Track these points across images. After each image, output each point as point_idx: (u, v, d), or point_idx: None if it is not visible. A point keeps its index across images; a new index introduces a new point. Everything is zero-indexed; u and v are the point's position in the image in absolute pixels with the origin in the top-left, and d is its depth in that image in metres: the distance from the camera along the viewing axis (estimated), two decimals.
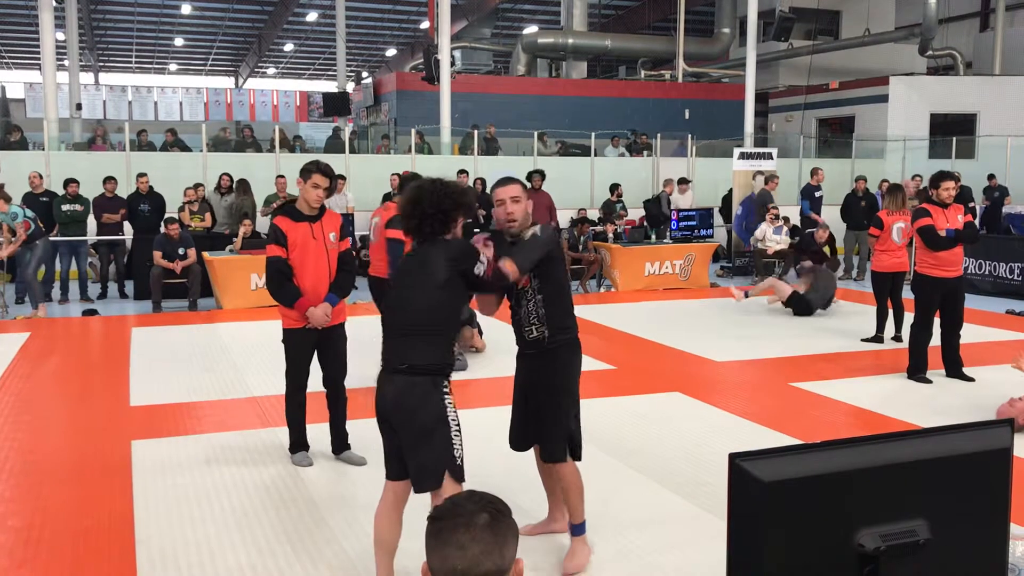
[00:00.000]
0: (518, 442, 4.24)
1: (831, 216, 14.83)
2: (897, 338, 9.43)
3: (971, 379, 7.71)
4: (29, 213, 11.11)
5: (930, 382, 7.65)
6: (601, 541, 4.41)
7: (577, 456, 4.13)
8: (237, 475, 5.36)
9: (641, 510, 4.84)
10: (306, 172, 5.19)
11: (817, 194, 15.30)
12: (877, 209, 14.84)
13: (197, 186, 13.32)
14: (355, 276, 5.66)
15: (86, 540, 4.44)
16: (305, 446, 5.58)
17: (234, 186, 13.76)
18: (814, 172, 15.51)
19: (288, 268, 5.17)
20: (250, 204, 13.56)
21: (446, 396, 3.59)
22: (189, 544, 4.39)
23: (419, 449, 3.51)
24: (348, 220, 10.63)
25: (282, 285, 5.17)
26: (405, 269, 3.79)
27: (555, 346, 4.00)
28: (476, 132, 17.31)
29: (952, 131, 20.69)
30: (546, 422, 4.02)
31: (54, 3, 16.34)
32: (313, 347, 5.38)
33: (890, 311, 9.50)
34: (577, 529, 4.14)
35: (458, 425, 3.61)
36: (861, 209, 14.70)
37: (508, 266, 3.80)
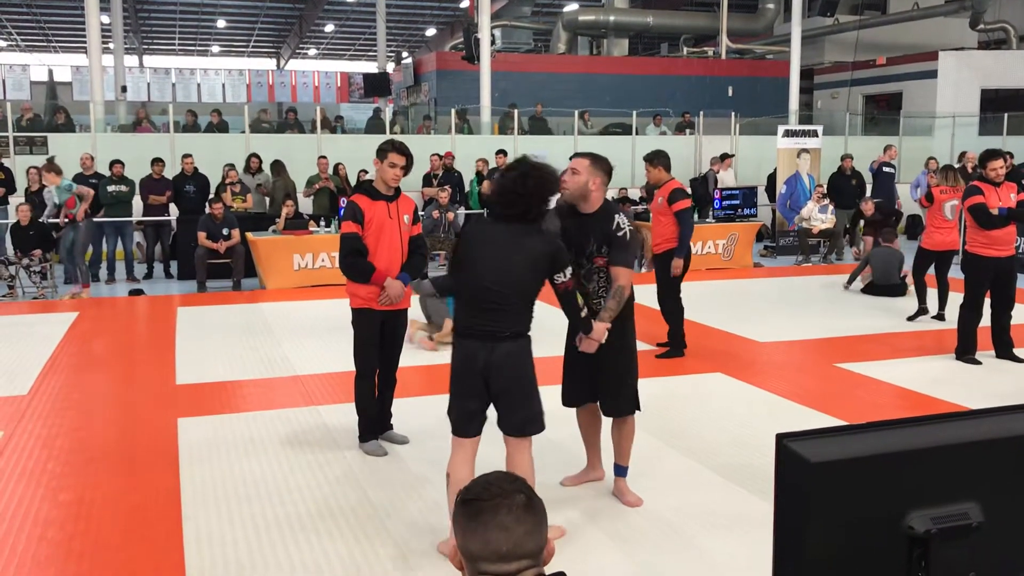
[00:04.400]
0: (579, 398, 4.64)
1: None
2: (940, 316, 9.28)
3: (1022, 360, 7.56)
4: (75, 187, 11.36)
5: (979, 363, 7.51)
6: (645, 522, 4.41)
7: (638, 407, 4.62)
8: (281, 453, 5.42)
9: (685, 491, 4.81)
10: (382, 152, 5.20)
11: (886, 170, 15.05)
12: (864, 187, 14.80)
13: (230, 169, 13.41)
14: (427, 260, 5.67)
15: (134, 515, 4.52)
16: (375, 433, 5.53)
17: (267, 167, 13.86)
18: (887, 148, 15.31)
19: (363, 245, 5.15)
20: (281, 185, 13.60)
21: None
22: (235, 520, 4.45)
23: (530, 402, 3.93)
24: None
25: (357, 261, 5.17)
26: (496, 241, 3.90)
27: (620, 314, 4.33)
28: (516, 112, 17.26)
29: (1004, 107, 20.20)
30: (621, 380, 4.50)
31: None
32: (380, 329, 5.37)
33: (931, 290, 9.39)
34: (623, 471, 4.67)
35: None
36: (851, 188, 14.53)
37: (623, 279, 4.29)
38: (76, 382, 7.17)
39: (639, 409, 4.63)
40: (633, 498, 4.62)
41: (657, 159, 7.69)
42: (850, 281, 11.23)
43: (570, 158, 4.43)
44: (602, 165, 4.38)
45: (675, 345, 7.98)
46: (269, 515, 4.52)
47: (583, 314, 4.14)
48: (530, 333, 3.95)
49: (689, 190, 14.75)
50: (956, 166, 12.27)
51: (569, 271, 3.97)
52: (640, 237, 13.43)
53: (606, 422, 4.76)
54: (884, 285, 10.85)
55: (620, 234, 4.30)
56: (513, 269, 3.82)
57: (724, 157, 16.01)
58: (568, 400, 4.67)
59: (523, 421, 3.93)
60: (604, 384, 4.53)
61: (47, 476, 5.08)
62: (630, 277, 4.34)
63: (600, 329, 4.22)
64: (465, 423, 3.96)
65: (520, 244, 3.84)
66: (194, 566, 3.99)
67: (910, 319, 9.39)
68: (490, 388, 3.89)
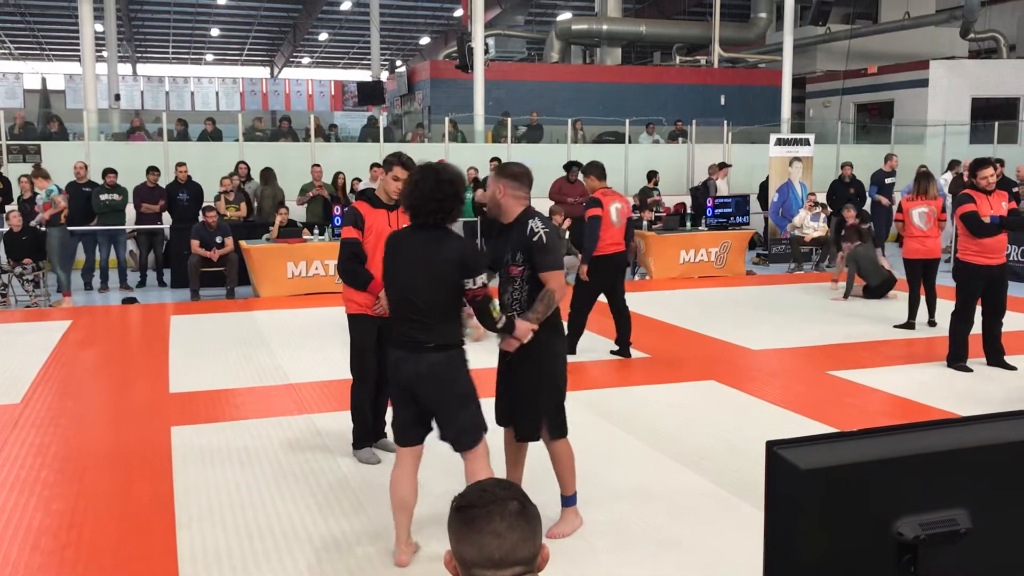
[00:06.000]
0: (505, 418, 4.35)
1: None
2: (931, 323, 9.33)
3: (1013, 368, 7.60)
4: (54, 193, 11.39)
5: (970, 371, 7.54)
6: (636, 528, 4.42)
7: (564, 432, 4.30)
8: (275, 461, 5.42)
9: (676, 498, 4.83)
10: (388, 164, 5.27)
11: (888, 180, 15.10)
12: (864, 195, 14.85)
13: (232, 176, 13.44)
14: None
15: (128, 524, 4.52)
16: (370, 440, 5.55)
17: (252, 175, 13.87)
18: (888, 158, 15.32)
19: (363, 252, 5.20)
20: (270, 193, 13.61)
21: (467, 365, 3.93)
22: (228, 529, 4.45)
23: (459, 415, 3.85)
24: None
25: (356, 268, 5.21)
26: (413, 251, 3.87)
27: (539, 331, 4.11)
28: (509, 120, 17.30)
29: (994, 116, 20.30)
30: (527, 400, 4.19)
31: None
32: (376, 334, 5.40)
33: (922, 297, 9.42)
34: (567, 501, 4.37)
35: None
36: (849, 196, 14.59)
37: (551, 283, 4.08)
38: (69, 391, 7.15)
39: (561, 435, 4.27)
40: (559, 529, 4.29)
41: (589, 170, 8.27)
42: (846, 295, 11.24)
43: None
44: (507, 171, 4.23)
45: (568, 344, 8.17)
46: (263, 523, 4.52)
47: (499, 325, 3.96)
48: (460, 346, 3.89)
49: (635, 201, 14.87)
50: (950, 176, 12.37)
51: (481, 278, 3.83)
52: (634, 246, 13.46)
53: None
54: (879, 284, 10.91)
55: (535, 239, 4.08)
56: (428, 279, 3.79)
57: (722, 166, 16.09)
58: (498, 418, 4.35)
59: (456, 434, 3.89)
60: (513, 402, 4.24)
61: (40, 485, 5.06)
62: (560, 280, 4.12)
63: (523, 328, 4.03)
64: (400, 432, 3.98)
65: (433, 252, 3.80)
66: (188, 574, 3.99)
67: (897, 327, 9.44)
68: (419, 400, 3.87)
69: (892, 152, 15.99)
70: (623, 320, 8.24)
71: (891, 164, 15.19)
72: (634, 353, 8.28)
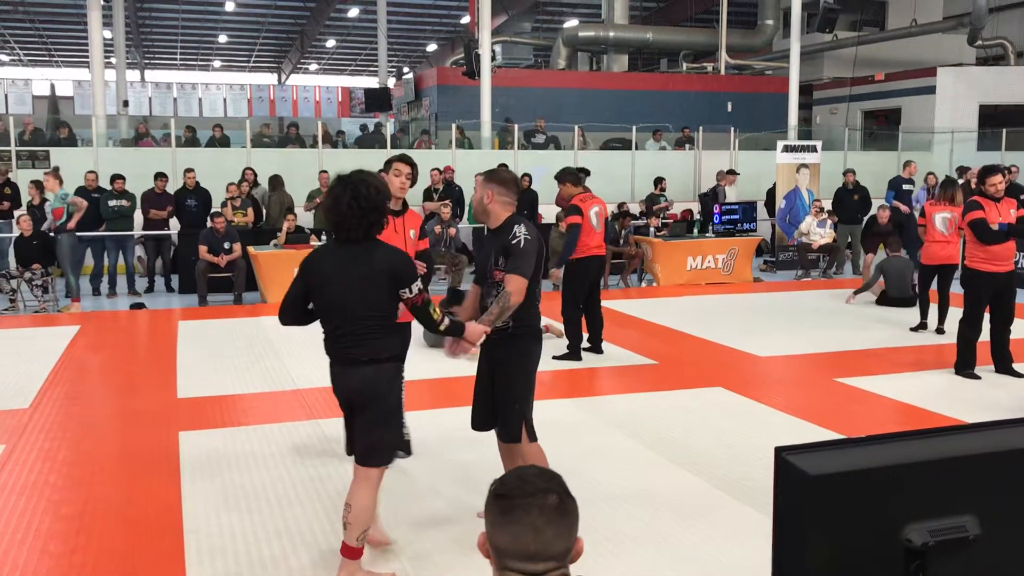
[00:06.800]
0: (480, 423, 4.35)
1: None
2: (940, 331, 9.32)
3: (1021, 375, 7.58)
4: (70, 196, 11.49)
5: (978, 378, 7.52)
6: (642, 534, 4.41)
7: (529, 437, 4.25)
8: (282, 466, 5.43)
9: (683, 504, 4.82)
10: (387, 164, 5.29)
11: (905, 187, 15.05)
12: (869, 202, 14.82)
13: (240, 183, 13.49)
14: (431, 275, 5.69)
15: (136, 529, 4.53)
16: None
17: (260, 181, 13.91)
18: (906, 164, 15.23)
19: None
20: (278, 200, 13.65)
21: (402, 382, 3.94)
22: (236, 533, 4.46)
23: (375, 430, 3.80)
24: None
25: None
26: (340, 266, 3.78)
27: (517, 334, 4.15)
28: (516, 127, 17.32)
29: (1002, 123, 20.26)
30: (506, 405, 4.19)
31: (102, 1, 16.62)
32: None
33: (932, 305, 9.46)
34: None
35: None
36: (854, 203, 14.53)
37: (509, 285, 4.04)
38: (77, 395, 7.18)
39: (531, 439, 4.26)
40: None
41: (564, 176, 8.34)
42: (857, 293, 11.21)
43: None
44: (496, 177, 4.23)
45: (572, 351, 8.28)
46: (270, 528, 4.53)
47: (442, 327, 3.91)
48: (397, 359, 3.85)
49: (641, 207, 14.87)
50: (960, 181, 12.31)
51: (416, 285, 3.76)
52: (640, 252, 13.47)
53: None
54: (898, 297, 10.87)
55: (515, 242, 4.08)
56: (359, 293, 3.71)
57: (730, 173, 16.09)
58: (474, 423, 4.39)
59: (367, 448, 3.81)
60: (496, 406, 4.26)
61: (49, 489, 5.08)
62: (519, 285, 4.06)
63: (474, 331, 4.00)
64: (348, 442, 3.99)
65: (364, 266, 3.72)
66: None
67: (912, 329, 9.51)
68: (355, 413, 3.86)
69: (911, 159, 15.89)
70: (598, 319, 8.46)
71: (909, 171, 15.05)
72: (640, 359, 8.29)
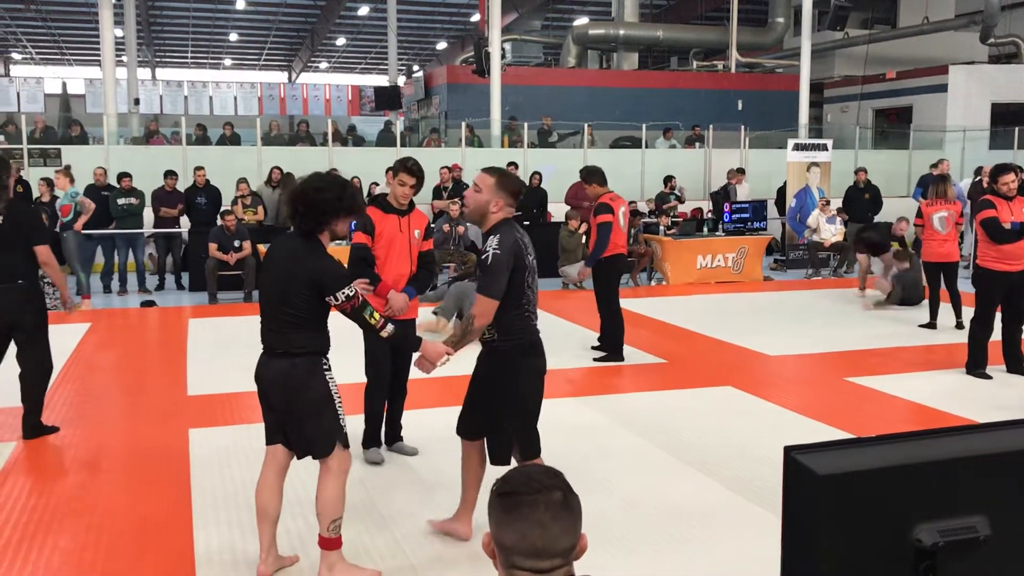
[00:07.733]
0: (464, 431, 4.22)
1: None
2: (959, 326, 9.28)
3: None
4: (79, 196, 11.54)
5: (990, 378, 7.48)
6: (652, 533, 4.41)
7: (537, 451, 4.12)
8: (292, 464, 5.43)
9: (692, 503, 4.81)
10: (394, 169, 5.33)
11: None
12: (880, 201, 14.73)
13: (267, 182, 13.54)
14: (435, 276, 5.71)
15: (146, 526, 4.54)
16: (378, 441, 5.61)
17: (278, 180, 13.95)
18: (938, 163, 14.92)
19: (371, 256, 5.24)
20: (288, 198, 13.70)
21: (328, 373, 3.85)
22: (246, 531, 4.46)
23: (306, 423, 3.80)
24: None
25: (364, 271, 5.23)
26: (279, 257, 3.87)
27: (503, 348, 3.98)
28: (524, 125, 17.33)
29: (1015, 121, 20.14)
30: (494, 427, 4.04)
31: (113, 0, 16.68)
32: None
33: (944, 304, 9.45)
34: None
35: (339, 398, 3.88)
36: (864, 201, 14.45)
37: (474, 307, 3.94)
38: (88, 393, 7.20)
39: (535, 454, 4.10)
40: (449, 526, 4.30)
41: (591, 177, 8.25)
42: (877, 304, 11.10)
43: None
44: (508, 186, 3.98)
45: (611, 350, 8.20)
46: (280, 526, 4.52)
47: (383, 333, 3.83)
48: (314, 354, 3.79)
49: (651, 206, 14.82)
50: (975, 179, 12.24)
51: (343, 292, 3.70)
52: (649, 251, 13.45)
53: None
54: (912, 296, 10.88)
55: (483, 257, 3.88)
56: (282, 287, 3.76)
57: (740, 171, 16.06)
58: (457, 428, 4.25)
59: (302, 442, 3.87)
60: (479, 423, 4.12)
61: (59, 486, 5.11)
62: (484, 307, 3.86)
63: (431, 350, 3.93)
64: (266, 432, 3.97)
65: (293, 264, 3.76)
66: None
67: (921, 327, 9.57)
68: (273, 405, 3.86)
69: (942, 158, 15.74)
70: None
71: (942, 169, 14.88)
72: (650, 358, 8.28)
